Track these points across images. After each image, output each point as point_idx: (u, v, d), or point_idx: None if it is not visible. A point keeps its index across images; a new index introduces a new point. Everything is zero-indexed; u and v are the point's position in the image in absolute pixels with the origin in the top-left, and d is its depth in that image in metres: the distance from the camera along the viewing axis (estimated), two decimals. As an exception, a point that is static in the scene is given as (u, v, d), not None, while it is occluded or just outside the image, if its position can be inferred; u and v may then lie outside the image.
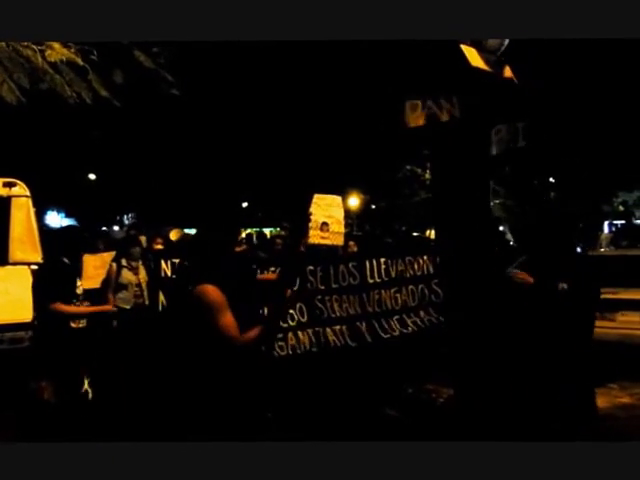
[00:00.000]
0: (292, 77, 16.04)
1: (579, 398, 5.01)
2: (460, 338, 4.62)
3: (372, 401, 5.48)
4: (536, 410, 4.95)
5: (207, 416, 2.65)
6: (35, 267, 6.25)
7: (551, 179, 21.06)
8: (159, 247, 7.67)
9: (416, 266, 5.56)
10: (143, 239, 8.81)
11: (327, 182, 16.79)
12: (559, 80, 12.13)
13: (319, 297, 5.23)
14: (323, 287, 5.25)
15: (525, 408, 5.01)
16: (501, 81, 4.38)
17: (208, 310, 2.59)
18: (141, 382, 5.15)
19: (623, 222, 29.20)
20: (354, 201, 27.39)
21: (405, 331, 5.32)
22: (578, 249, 11.28)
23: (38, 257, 6.69)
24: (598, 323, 5.53)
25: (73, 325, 4.56)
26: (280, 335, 4.96)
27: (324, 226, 3.84)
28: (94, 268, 5.01)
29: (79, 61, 7.56)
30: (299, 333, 5.09)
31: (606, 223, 26.95)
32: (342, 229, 4.04)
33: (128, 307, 6.58)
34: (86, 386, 4.51)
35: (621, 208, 29.38)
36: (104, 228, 23.46)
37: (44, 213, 25.30)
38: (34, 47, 7.30)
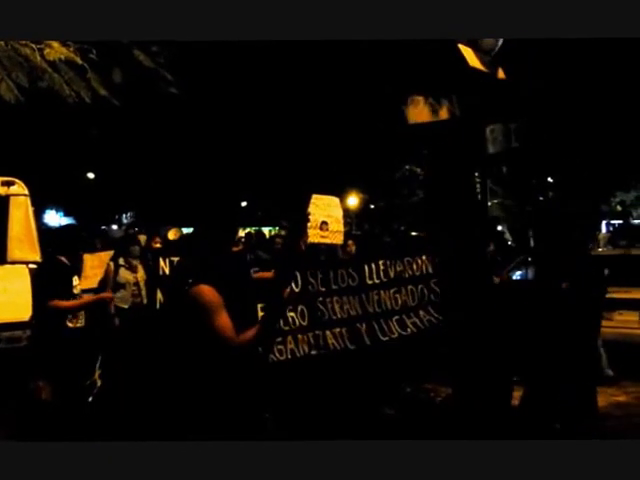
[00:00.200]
0: (291, 77, 16.02)
1: (579, 398, 5.02)
2: (459, 338, 4.63)
3: (370, 400, 5.50)
4: (536, 410, 4.97)
5: (204, 416, 2.64)
6: (33, 266, 6.26)
7: (549, 179, 21.04)
8: (158, 246, 7.70)
9: (415, 266, 5.57)
10: (143, 238, 8.83)
11: (326, 181, 16.80)
12: (558, 80, 12.13)
13: (320, 299, 5.24)
14: (324, 289, 5.26)
15: (525, 407, 5.03)
16: (495, 82, 4.42)
17: (204, 311, 2.58)
18: (139, 381, 5.15)
19: (621, 222, 29.25)
20: (353, 201, 27.36)
21: (404, 333, 5.34)
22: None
23: (36, 256, 6.68)
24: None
25: (70, 325, 4.56)
26: (279, 339, 4.97)
27: (323, 225, 3.85)
28: (91, 268, 5.00)
29: (78, 60, 7.55)
30: (299, 337, 5.10)
31: (604, 223, 26.97)
32: (341, 228, 4.05)
33: (126, 306, 6.59)
34: (96, 376, 4.50)
35: (619, 208, 29.39)
36: (103, 227, 23.48)
37: (43, 212, 25.28)
38: (33, 46, 7.29)
